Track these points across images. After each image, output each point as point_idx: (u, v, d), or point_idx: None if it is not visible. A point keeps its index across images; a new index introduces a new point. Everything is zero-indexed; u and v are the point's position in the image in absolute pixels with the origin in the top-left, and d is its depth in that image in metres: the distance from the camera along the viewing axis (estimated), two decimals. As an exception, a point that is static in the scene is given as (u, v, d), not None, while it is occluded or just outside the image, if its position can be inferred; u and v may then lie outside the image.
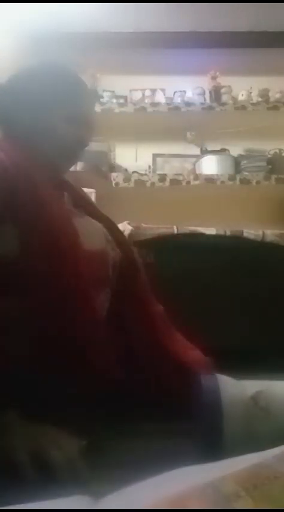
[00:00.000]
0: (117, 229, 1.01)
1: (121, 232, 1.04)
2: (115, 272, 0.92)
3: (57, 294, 0.75)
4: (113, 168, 2.94)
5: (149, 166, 3.06)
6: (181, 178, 2.91)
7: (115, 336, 0.83)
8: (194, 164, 3.06)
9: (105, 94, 3.07)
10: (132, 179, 2.85)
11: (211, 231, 2.15)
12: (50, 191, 0.85)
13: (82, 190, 1.09)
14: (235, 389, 0.76)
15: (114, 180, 2.81)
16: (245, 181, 2.89)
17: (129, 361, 0.84)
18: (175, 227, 2.17)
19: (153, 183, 2.90)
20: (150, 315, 0.93)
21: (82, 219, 0.92)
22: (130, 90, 3.15)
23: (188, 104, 3.04)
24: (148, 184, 2.90)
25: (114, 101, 3.03)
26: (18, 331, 0.73)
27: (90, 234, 0.88)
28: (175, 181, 2.91)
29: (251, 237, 2.10)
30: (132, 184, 2.83)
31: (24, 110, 0.93)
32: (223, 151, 3.04)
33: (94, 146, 1.04)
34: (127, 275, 0.93)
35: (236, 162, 2.98)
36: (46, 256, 0.76)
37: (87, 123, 0.98)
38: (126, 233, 1.93)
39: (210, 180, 2.90)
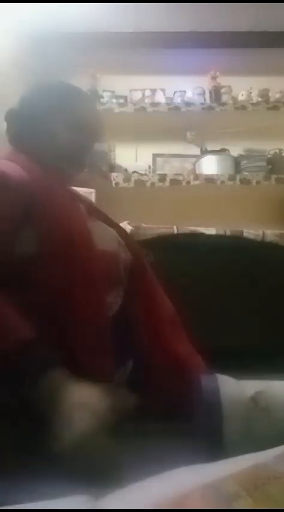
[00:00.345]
0: (127, 234, 1.10)
1: (131, 237, 1.13)
2: (127, 272, 0.99)
3: (69, 286, 0.82)
4: (113, 168, 2.94)
5: (149, 166, 3.05)
6: (181, 178, 2.91)
7: (120, 332, 0.87)
8: (194, 164, 3.06)
9: (105, 94, 3.06)
10: (132, 179, 2.85)
11: (211, 231, 2.15)
12: (66, 198, 0.95)
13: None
14: (235, 390, 0.76)
15: (114, 180, 2.80)
16: (245, 181, 2.89)
17: (133, 359, 0.86)
18: (175, 227, 2.17)
19: (153, 183, 2.90)
20: (155, 313, 0.99)
21: (95, 223, 1.00)
22: (130, 90, 3.14)
23: (188, 104, 3.04)
24: (148, 184, 2.89)
25: (114, 101, 3.03)
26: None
27: (103, 237, 0.96)
28: (175, 181, 2.90)
29: (251, 237, 2.10)
30: (132, 184, 2.83)
31: (31, 125, 1.03)
32: (223, 151, 3.04)
33: (94, 146, 1.12)
34: (137, 276, 1.01)
35: (236, 162, 2.98)
36: (63, 254, 0.83)
37: (88, 130, 1.05)
38: (126, 233, 1.92)
39: (210, 180, 2.89)
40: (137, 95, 3.13)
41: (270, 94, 3.06)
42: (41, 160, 0.96)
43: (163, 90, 3.12)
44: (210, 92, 3.10)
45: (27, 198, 0.85)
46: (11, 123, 1.06)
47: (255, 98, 3.06)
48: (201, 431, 0.71)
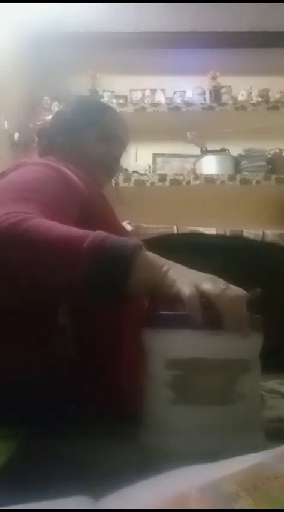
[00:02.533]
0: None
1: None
2: None
3: None
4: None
5: (149, 166, 3.06)
6: (181, 178, 2.91)
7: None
8: (194, 164, 3.06)
9: (105, 94, 3.07)
10: (132, 179, 2.85)
11: (211, 231, 2.15)
12: (107, 203, 0.99)
13: None
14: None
15: (114, 180, 2.80)
16: (245, 181, 2.89)
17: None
18: (175, 227, 2.17)
19: (153, 183, 2.91)
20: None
21: None
22: (130, 90, 3.15)
23: (188, 104, 3.04)
24: (148, 184, 2.90)
25: (114, 101, 3.03)
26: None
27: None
28: (175, 181, 2.91)
29: (251, 237, 2.10)
30: (132, 184, 2.83)
31: (64, 139, 1.11)
32: (223, 151, 3.04)
33: (122, 155, 1.25)
34: None
35: (236, 162, 2.98)
36: None
37: (116, 141, 1.15)
38: (126, 233, 1.93)
39: (210, 180, 2.90)
40: (137, 95, 3.13)
41: (270, 94, 3.07)
42: (79, 167, 0.98)
43: (163, 90, 3.12)
44: (210, 92, 3.10)
45: (80, 198, 0.85)
46: (43, 137, 1.17)
47: (255, 98, 3.06)
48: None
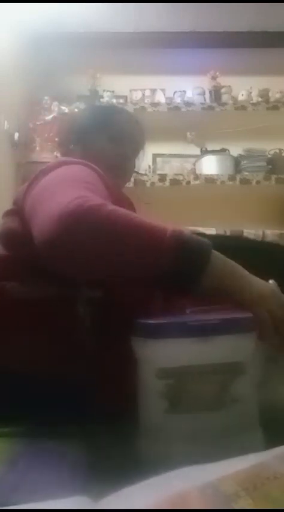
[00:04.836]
0: None
1: None
2: None
3: None
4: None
5: (149, 166, 3.06)
6: (181, 178, 2.91)
7: None
8: (194, 164, 3.06)
9: (105, 94, 3.07)
10: (132, 179, 2.85)
11: (211, 231, 2.15)
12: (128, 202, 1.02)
13: None
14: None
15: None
16: (245, 181, 2.89)
17: None
18: (175, 227, 2.16)
19: (153, 183, 2.91)
20: None
21: None
22: (130, 90, 3.15)
23: (188, 104, 3.04)
24: (148, 184, 2.90)
25: (114, 101, 3.03)
26: None
27: None
28: (175, 181, 2.91)
29: (251, 237, 2.10)
30: (132, 184, 2.83)
31: (81, 141, 1.16)
32: (223, 151, 3.04)
33: (136, 157, 1.28)
34: None
35: (236, 162, 2.98)
36: None
37: (130, 143, 1.18)
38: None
39: (210, 180, 2.90)
40: (137, 95, 3.13)
41: (270, 94, 3.07)
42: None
43: (163, 90, 3.12)
44: (210, 92, 3.10)
45: (112, 199, 0.85)
46: (62, 145, 1.23)
47: (255, 98, 3.06)
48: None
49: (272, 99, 3.05)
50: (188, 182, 2.90)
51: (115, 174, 1.10)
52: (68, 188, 0.74)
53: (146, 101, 3.07)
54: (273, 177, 2.89)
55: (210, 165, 2.96)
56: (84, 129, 1.18)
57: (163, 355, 0.64)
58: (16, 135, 2.72)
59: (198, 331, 0.63)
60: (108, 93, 3.07)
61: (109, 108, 1.28)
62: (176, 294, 0.74)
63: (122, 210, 0.69)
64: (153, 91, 3.12)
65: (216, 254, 0.72)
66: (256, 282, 0.73)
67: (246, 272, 0.74)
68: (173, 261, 0.66)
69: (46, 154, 2.75)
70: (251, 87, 3.08)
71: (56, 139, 1.30)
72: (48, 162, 0.98)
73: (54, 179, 0.82)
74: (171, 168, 3.08)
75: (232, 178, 2.90)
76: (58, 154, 1.27)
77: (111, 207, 0.68)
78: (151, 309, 0.77)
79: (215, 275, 0.69)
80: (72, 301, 0.80)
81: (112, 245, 0.67)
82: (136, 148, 1.22)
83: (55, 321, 0.80)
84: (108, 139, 1.14)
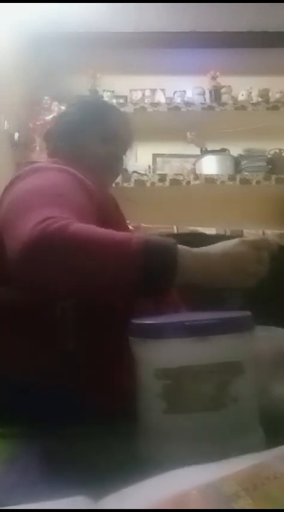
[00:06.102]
0: None
1: None
2: None
3: None
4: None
5: (149, 166, 3.05)
6: (181, 178, 2.91)
7: None
8: (194, 164, 3.06)
9: (105, 94, 3.06)
10: (132, 179, 2.85)
11: (211, 231, 2.15)
12: (116, 204, 1.02)
13: None
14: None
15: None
16: (245, 181, 2.89)
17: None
18: (175, 227, 2.17)
19: (153, 183, 2.91)
20: None
21: None
22: (130, 90, 3.15)
23: (188, 104, 3.04)
24: (148, 184, 2.90)
25: (114, 101, 3.02)
26: None
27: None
28: (175, 181, 2.91)
29: (251, 237, 2.10)
30: (132, 185, 2.83)
31: (68, 140, 1.11)
32: (223, 151, 3.04)
33: (125, 156, 1.24)
34: None
35: (236, 162, 2.98)
36: None
37: (119, 141, 1.14)
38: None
39: (210, 180, 2.90)
40: (137, 95, 3.13)
41: (270, 94, 3.06)
42: (79, 170, 0.97)
43: (163, 90, 3.12)
44: (210, 92, 3.10)
45: (96, 202, 0.86)
46: (49, 141, 1.17)
47: (255, 98, 3.06)
48: None
49: (272, 99, 3.05)
50: (188, 182, 2.90)
51: (104, 172, 1.10)
52: (35, 207, 0.74)
53: (146, 101, 3.07)
54: (273, 177, 2.89)
55: (210, 165, 2.96)
56: (72, 127, 1.13)
57: (161, 355, 0.64)
58: (16, 135, 2.72)
59: (196, 330, 0.63)
60: (108, 93, 3.06)
61: (98, 106, 1.21)
62: (154, 297, 0.77)
63: (85, 228, 0.70)
64: (153, 91, 3.12)
65: (182, 249, 0.73)
66: (222, 253, 0.76)
67: (212, 250, 0.77)
68: (142, 268, 0.68)
69: (46, 154, 2.75)
70: (251, 87, 3.08)
71: (43, 136, 1.23)
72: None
73: (25, 193, 0.81)
74: (171, 168, 3.08)
75: (232, 178, 2.90)
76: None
77: (75, 226, 0.68)
78: (140, 309, 0.77)
79: (187, 269, 0.72)
80: (61, 305, 0.81)
81: (81, 265, 0.68)
82: (125, 147, 1.19)
83: (50, 324, 0.80)
84: (97, 139, 1.11)
